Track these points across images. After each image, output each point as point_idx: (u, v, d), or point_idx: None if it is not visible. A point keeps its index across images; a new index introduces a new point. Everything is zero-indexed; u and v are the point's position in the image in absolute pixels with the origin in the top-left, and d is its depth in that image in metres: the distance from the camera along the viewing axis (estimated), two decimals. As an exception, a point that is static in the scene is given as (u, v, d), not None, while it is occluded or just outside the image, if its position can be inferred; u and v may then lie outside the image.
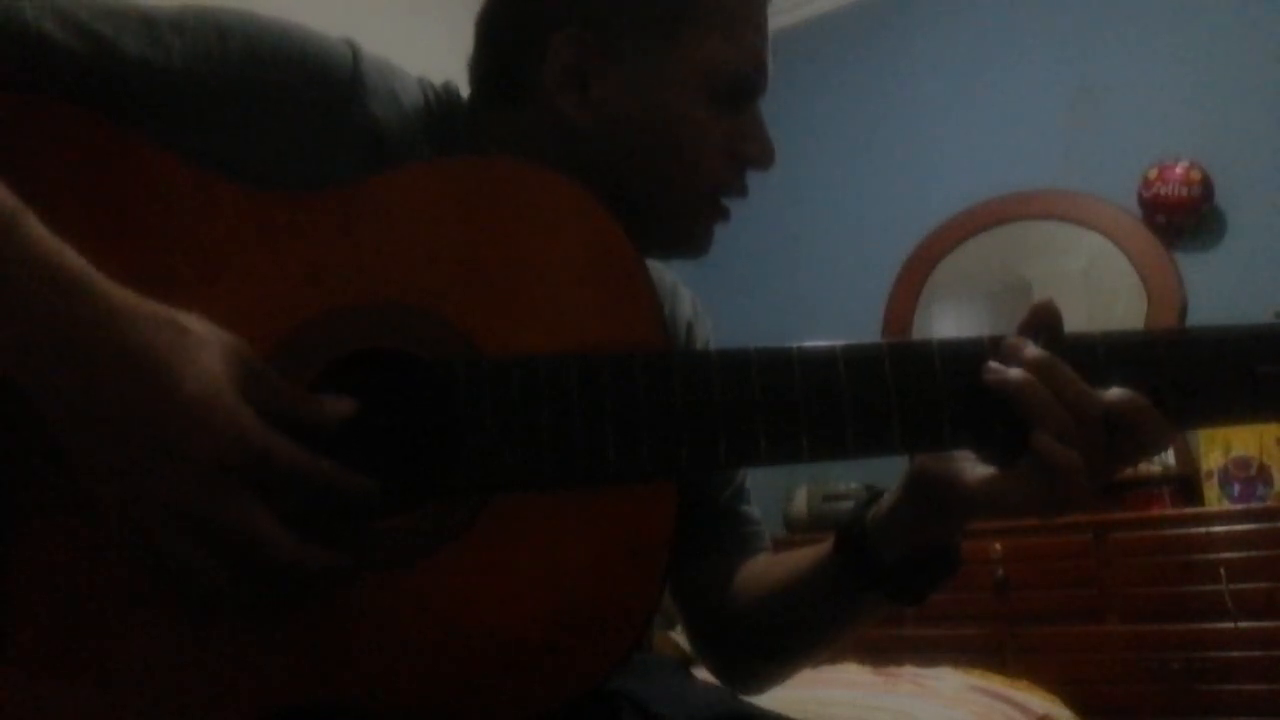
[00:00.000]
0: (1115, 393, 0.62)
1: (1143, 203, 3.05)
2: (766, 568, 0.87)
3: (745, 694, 0.87)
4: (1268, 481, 2.61)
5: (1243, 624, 2.34)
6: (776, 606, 0.83)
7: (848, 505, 2.96)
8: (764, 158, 0.80)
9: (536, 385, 0.62)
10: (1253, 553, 2.40)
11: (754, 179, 0.82)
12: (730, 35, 0.77)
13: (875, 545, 0.73)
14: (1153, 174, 3.02)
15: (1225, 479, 2.66)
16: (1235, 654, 2.35)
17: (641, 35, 0.75)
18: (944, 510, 0.69)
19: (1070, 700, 2.22)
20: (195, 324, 0.58)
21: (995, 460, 0.65)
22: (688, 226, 0.80)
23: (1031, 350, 0.63)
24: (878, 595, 0.74)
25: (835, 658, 2.07)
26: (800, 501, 3.12)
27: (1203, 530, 2.48)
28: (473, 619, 0.60)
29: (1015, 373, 0.62)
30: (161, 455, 0.54)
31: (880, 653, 2.30)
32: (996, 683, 2.16)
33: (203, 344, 0.57)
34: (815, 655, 0.87)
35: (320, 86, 0.71)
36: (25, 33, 0.63)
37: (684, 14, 0.75)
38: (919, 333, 3.36)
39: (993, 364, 0.63)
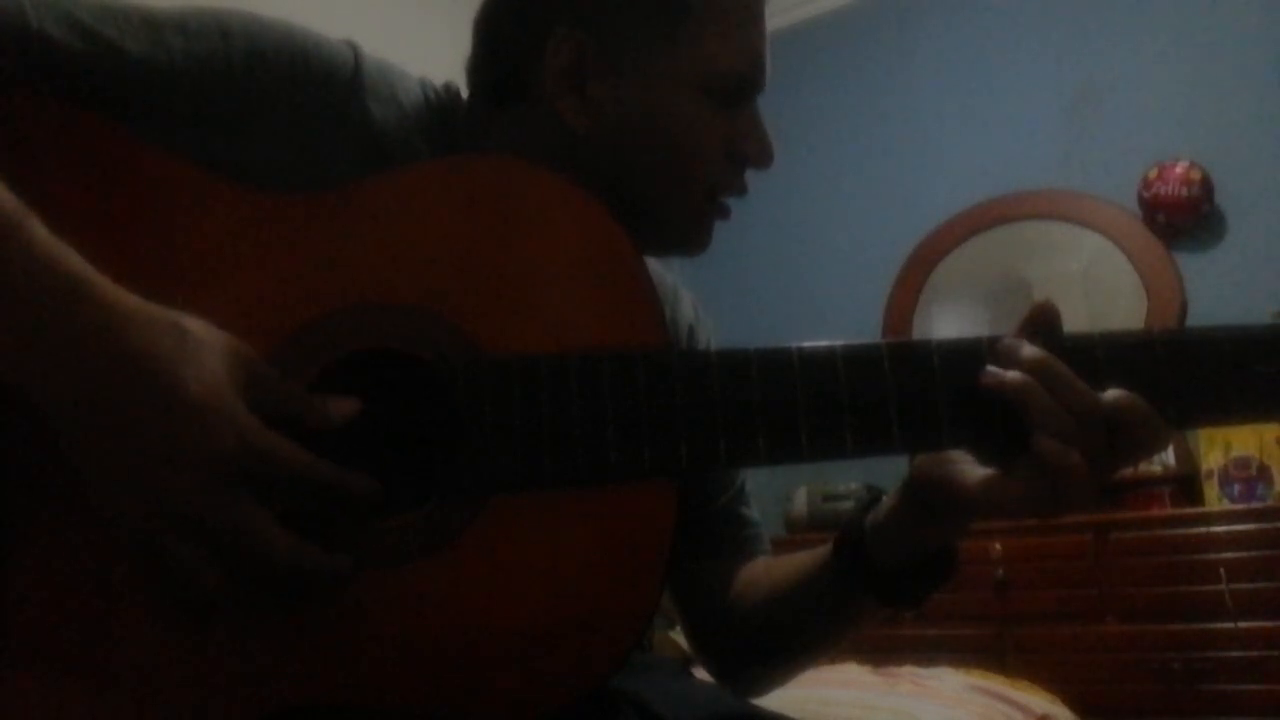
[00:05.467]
0: (1114, 393, 0.61)
1: (1143, 203, 3.05)
2: (765, 571, 0.87)
3: (744, 696, 0.87)
4: (1268, 481, 2.61)
5: (1243, 624, 2.34)
6: (775, 610, 0.83)
7: (848, 505, 2.96)
8: (763, 156, 0.80)
9: (536, 385, 0.62)
10: (1253, 553, 2.40)
11: (754, 179, 0.82)
12: (728, 34, 0.77)
13: (873, 550, 0.73)
14: (1153, 174, 3.01)
15: (1225, 479, 2.66)
16: (1235, 654, 2.34)
17: (639, 35, 0.76)
18: (944, 513, 0.68)
19: (1070, 700, 2.22)
20: (196, 326, 0.58)
21: (994, 460, 0.64)
22: (687, 225, 0.80)
23: (1029, 350, 0.62)
24: (875, 600, 0.74)
25: (835, 658, 2.06)
26: (800, 501, 3.12)
27: (1203, 530, 2.48)
28: (472, 619, 0.60)
29: (1013, 375, 0.61)
30: (162, 458, 0.54)
31: (880, 653, 2.29)
32: (996, 683, 2.16)
33: (204, 346, 0.57)
34: (813, 659, 0.87)
35: (322, 88, 0.71)
36: (27, 33, 0.63)
37: (681, 13, 0.75)
38: (919, 333, 3.35)
39: (990, 368, 0.63)
